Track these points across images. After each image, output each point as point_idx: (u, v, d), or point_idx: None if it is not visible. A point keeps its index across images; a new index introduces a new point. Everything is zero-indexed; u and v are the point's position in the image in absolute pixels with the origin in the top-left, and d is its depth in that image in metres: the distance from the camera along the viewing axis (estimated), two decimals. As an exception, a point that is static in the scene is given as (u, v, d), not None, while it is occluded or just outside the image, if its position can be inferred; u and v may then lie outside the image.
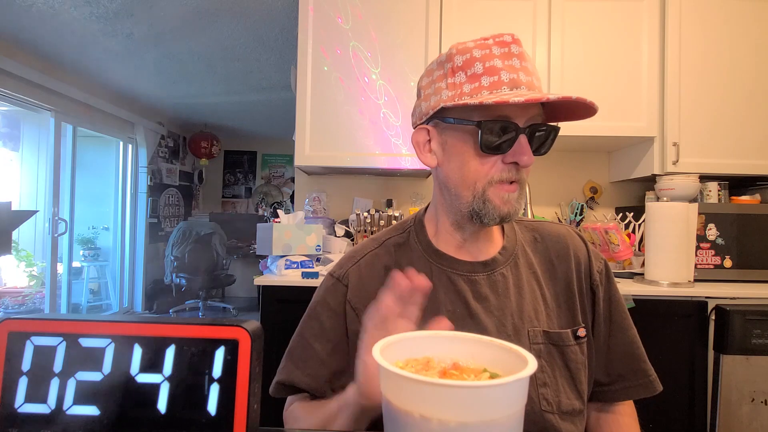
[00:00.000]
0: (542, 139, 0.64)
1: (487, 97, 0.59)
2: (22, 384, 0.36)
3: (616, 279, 1.76)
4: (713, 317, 1.51)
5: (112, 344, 0.37)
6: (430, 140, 0.68)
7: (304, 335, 0.70)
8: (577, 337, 0.68)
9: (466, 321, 0.66)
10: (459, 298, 0.67)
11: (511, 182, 0.64)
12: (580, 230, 1.93)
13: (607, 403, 0.73)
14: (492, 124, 0.61)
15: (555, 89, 1.92)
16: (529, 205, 2.02)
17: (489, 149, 0.62)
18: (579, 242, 0.75)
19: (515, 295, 0.68)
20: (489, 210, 0.64)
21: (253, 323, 0.38)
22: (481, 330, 0.64)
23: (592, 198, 2.29)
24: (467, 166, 0.64)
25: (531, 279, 0.70)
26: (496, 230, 0.73)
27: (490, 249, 0.71)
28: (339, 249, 1.94)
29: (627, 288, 1.55)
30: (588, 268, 0.73)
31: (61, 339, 0.37)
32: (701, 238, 1.74)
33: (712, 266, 1.74)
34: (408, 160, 1.94)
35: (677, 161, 1.88)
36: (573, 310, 0.70)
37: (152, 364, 0.36)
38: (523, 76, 0.61)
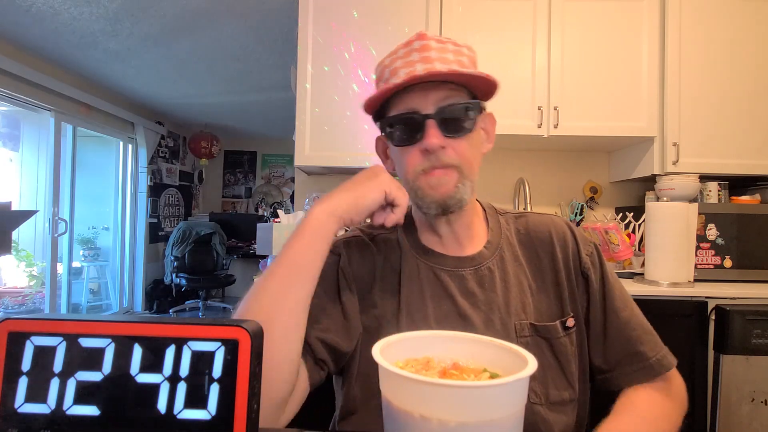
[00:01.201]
0: (458, 117, 0.64)
1: (371, 97, 0.64)
2: (22, 384, 0.36)
3: (616, 279, 1.76)
4: (713, 317, 1.51)
5: (112, 344, 0.37)
6: (387, 148, 0.73)
7: None
8: (566, 328, 0.67)
9: (453, 317, 0.66)
10: (446, 295, 0.67)
11: (439, 168, 0.64)
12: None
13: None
14: (394, 119, 0.65)
15: (555, 89, 1.91)
16: (529, 204, 2.02)
17: (399, 142, 0.66)
18: (563, 229, 0.74)
19: (502, 289, 0.68)
20: (423, 198, 0.66)
21: (253, 323, 0.38)
22: (469, 326, 0.65)
23: (592, 198, 2.29)
24: (398, 162, 0.68)
25: (518, 271, 0.70)
26: (478, 224, 0.73)
27: (476, 243, 0.71)
28: (339, 249, 1.93)
29: (627, 288, 1.54)
30: (576, 253, 0.71)
31: (61, 339, 0.37)
32: (701, 238, 1.74)
33: (712, 266, 1.74)
34: (408, 160, 1.94)
35: (677, 161, 1.88)
36: (561, 300, 0.69)
37: (152, 364, 0.36)
38: (420, 66, 0.63)
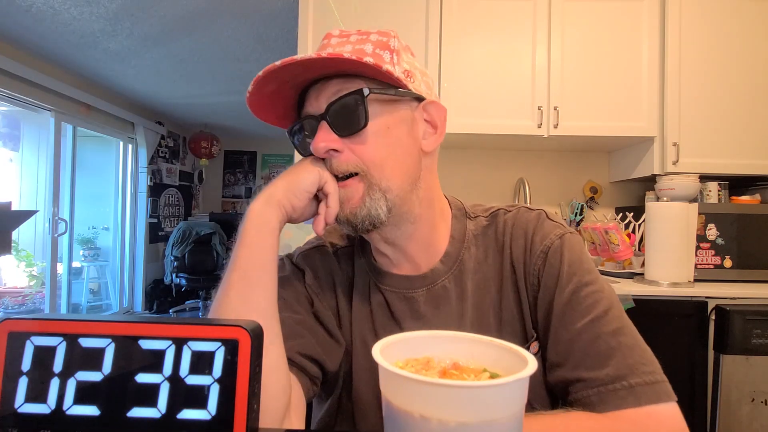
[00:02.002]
0: (349, 111, 0.54)
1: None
2: (22, 384, 0.36)
3: (616, 279, 1.76)
4: (713, 317, 1.51)
5: (112, 344, 0.37)
6: None
7: None
8: None
9: None
10: (393, 321, 0.61)
11: (345, 178, 0.56)
12: (580, 230, 1.93)
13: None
14: (293, 129, 0.60)
15: (555, 89, 1.91)
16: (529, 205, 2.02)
17: (304, 152, 0.59)
18: (524, 226, 0.61)
19: (457, 310, 0.60)
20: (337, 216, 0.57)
21: (253, 323, 0.38)
22: None
23: (592, 198, 2.29)
24: None
25: (481, 287, 0.60)
26: (442, 230, 0.63)
27: (432, 257, 0.62)
28: (339, 249, 1.93)
29: (627, 288, 1.55)
30: (530, 252, 0.59)
31: (61, 339, 0.37)
32: (701, 238, 1.74)
33: (712, 266, 1.74)
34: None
35: (677, 161, 1.88)
36: (523, 319, 0.59)
37: (152, 364, 0.36)
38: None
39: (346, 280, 0.66)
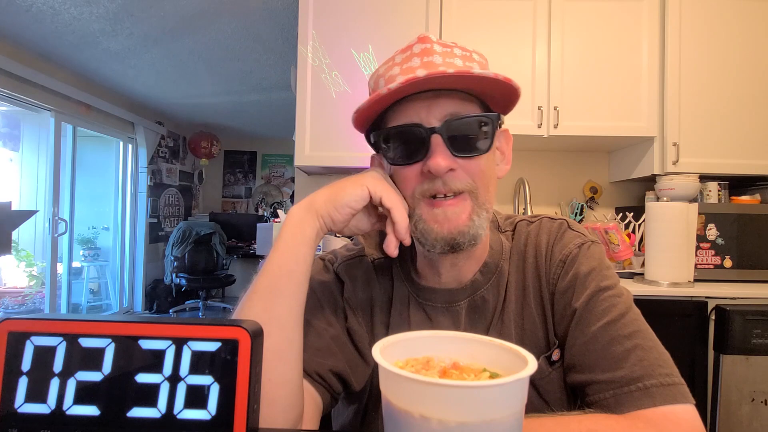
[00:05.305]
0: (471, 133, 0.53)
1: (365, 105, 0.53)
2: (22, 384, 0.36)
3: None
4: (713, 317, 1.51)
5: (112, 344, 0.37)
6: (382, 166, 0.62)
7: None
8: (551, 363, 0.58)
9: None
10: None
11: (448, 197, 0.53)
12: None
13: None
14: (392, 132, 0.55)
15: (555, 89, 1.91)
16: (529, 205, 2.02)
17: (397, 160, 0.55)
18: (546, 237, 0.62)
19: (492, 321, 0.60)
20: (426, 233, 0.54)
21: (253, 323, 0.38)
22: None
23: (592, 198, 2.29)
24: (398, 183, 0.57)
25: (512, 299, 0.61)
26: (483, 244, 0.61)
27: (473, 267, 0.61)
28: (339, 249, 1.93)
29: (627, 288, 1.55)
30: (550, 261, 0.60)
31: (61, 339, 0.37)
32: (701, 238, 1.73)
33: (712, 266, 1.74)
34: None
35: (677, 161, 1.88)
36: (546, 327, 0.59)
37: (152, 364, 0.36)
38: (422, 72, 0.51)
39: (385, 294, 0.64)
